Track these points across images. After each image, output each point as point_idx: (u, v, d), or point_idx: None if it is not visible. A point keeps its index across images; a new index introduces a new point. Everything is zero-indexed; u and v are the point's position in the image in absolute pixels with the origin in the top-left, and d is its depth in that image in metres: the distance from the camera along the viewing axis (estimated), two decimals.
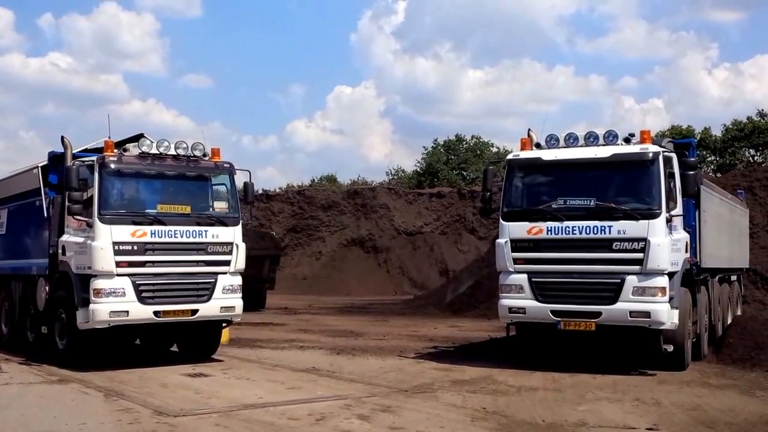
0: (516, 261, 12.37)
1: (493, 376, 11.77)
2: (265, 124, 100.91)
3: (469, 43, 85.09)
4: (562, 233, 12.00)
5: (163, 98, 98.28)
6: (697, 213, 13.09)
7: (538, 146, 12.87)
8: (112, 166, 12.25)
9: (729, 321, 15.96)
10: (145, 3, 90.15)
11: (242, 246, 13.15)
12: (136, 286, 12.09)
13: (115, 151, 12.51)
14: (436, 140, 56.21)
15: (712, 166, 44.33)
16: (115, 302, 11.92)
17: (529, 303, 12.22)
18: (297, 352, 15.14)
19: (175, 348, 14.68)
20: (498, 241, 12.67)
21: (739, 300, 18.28)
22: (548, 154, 12.52)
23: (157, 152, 12.69)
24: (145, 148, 12.63)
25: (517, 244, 12.37)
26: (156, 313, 12.25)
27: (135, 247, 12.11)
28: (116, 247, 11.95)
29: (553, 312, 12.02)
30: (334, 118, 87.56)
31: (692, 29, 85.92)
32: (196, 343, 14.00)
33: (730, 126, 45.48)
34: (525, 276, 12.27)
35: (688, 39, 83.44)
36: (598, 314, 11.72)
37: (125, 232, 12.06)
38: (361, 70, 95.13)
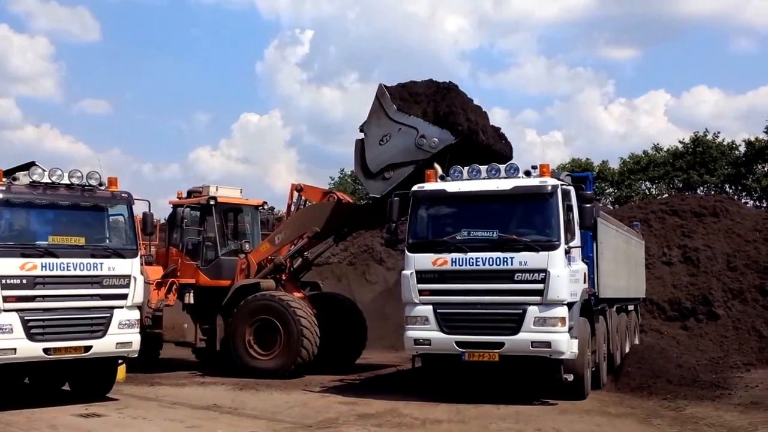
0: (421, 292, 12.37)
1: (399, 409, 11.69)
2: (167, 152, 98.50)
3: (373, 75, 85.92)
4: (466, 264, 12.10)
5: (59, 124, 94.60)
6: (594, 244, 13.45)
7: (443, 178, 13.02)
8: (0, 195, 11.69)
9: (627, 350, 16.39)
10: (38, 26, 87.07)
11: (140, 279, 12.74)
12: (24, 323, 11.48)
13: (4, 180, 11.93)
14: (342, 170, 56.30)
15: (610, 198, 45.87)
16: (2, 340, 11.28)
17: (434, 334, 12.22)
18: (198, 389, 14.67)
19: (67, 387, 13.99)
20: (403, 272, 12.66)
21: (636, 329, 18.82)
22: (452, 186, 12.65)
23: (50, 181, 12.18)
24: (36, 177, 12.09)
25: (423, 276, 12.39)
26: (46, 350, 11.66)
27: (24, 281, 11.53)
28: (3, 281, 11.34)
29: (458, 343, 12.05)
30: (239, 147, 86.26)
31: (589, 66, 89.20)
32: (89, 381, 13.35)
33: (627, 159, 47.28)
34: (430, 307, 12.29)
35: (586, 75, 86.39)
36: (501, 345, 11.82)
37: (13, 265, 11.47)
38: (268, 98, 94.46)
